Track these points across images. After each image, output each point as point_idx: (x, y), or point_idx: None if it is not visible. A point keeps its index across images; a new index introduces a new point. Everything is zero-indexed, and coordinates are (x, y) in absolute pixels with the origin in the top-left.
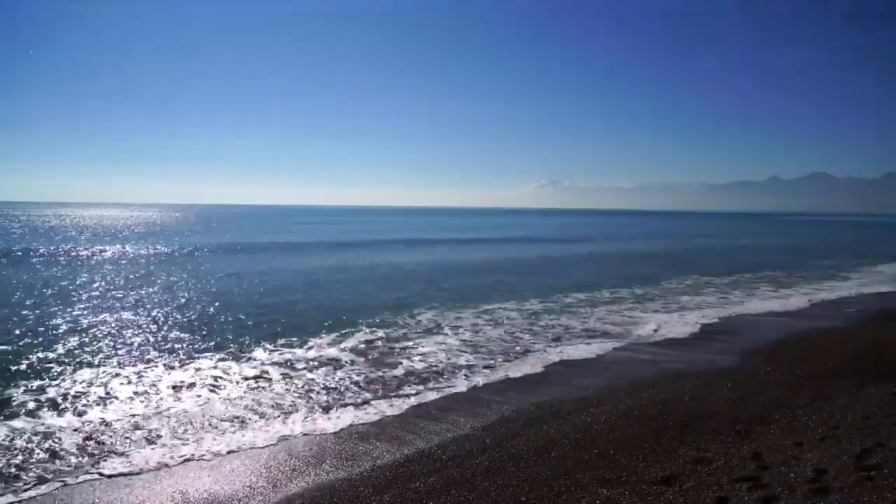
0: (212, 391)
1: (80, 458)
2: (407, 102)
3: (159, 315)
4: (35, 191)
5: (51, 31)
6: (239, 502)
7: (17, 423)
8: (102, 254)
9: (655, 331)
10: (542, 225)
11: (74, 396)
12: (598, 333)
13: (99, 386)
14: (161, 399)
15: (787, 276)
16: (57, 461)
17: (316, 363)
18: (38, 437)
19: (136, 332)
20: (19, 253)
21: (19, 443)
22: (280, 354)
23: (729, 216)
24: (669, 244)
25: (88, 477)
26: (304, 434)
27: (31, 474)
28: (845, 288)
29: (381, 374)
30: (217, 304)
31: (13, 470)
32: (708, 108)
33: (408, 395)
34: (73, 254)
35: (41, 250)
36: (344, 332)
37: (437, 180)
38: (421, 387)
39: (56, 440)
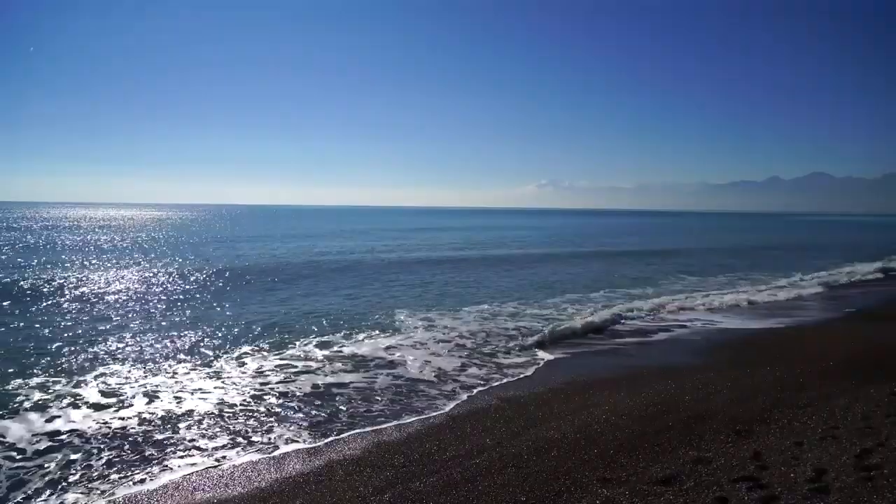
0: (204, 401)
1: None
2: (407, 102)
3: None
4: (32, 190)
5: (51, 30)
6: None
7: None
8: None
9: (656, 331)
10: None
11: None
12: (598, 334)
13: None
14: (140, 404)
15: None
16: None
17: (312, 366)
18: None
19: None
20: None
21: None
22: (279, 357)
23: (728, 216)
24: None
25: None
26: (301, 434)
27: None
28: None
29: (380, 373)
30: (188, 312)
31: None
32: (708, 108)
33: (407, 395)
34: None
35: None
36: (340, 334)
37: (437, 180)
38: (419, 386)
39: None
